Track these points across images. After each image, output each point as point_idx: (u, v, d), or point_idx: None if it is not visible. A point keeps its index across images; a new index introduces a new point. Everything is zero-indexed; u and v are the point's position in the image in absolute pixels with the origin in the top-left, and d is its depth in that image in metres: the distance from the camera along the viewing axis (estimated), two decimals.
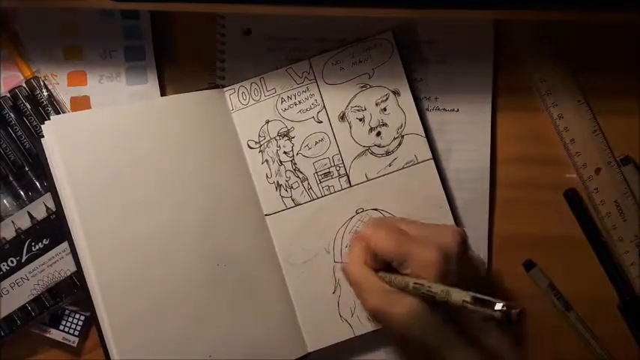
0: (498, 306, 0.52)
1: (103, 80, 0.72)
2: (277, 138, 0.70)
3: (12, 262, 0.68)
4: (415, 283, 0.59)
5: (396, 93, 0.70)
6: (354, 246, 0.67)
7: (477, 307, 0.53)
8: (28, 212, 0.68)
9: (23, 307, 0.68)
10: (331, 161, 0.70)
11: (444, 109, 0.71)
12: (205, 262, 0.67)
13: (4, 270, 0.68)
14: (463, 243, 0.63)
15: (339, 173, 0.70)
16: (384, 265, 0.64)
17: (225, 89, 0.71)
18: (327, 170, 0.70)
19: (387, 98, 0.70)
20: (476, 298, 0.54)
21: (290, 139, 0.70)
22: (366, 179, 0.70)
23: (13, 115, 0.69)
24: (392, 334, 0.66)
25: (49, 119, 0.65)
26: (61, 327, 0.71)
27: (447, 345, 0.60)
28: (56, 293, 0.69)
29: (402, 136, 0.70)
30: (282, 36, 0.71)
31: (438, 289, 0.57)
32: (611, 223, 0.70)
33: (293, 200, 0.70)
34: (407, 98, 0.70)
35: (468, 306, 0.54)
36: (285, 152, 0.70)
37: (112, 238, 0.64)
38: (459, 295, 0.55)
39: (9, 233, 0.68)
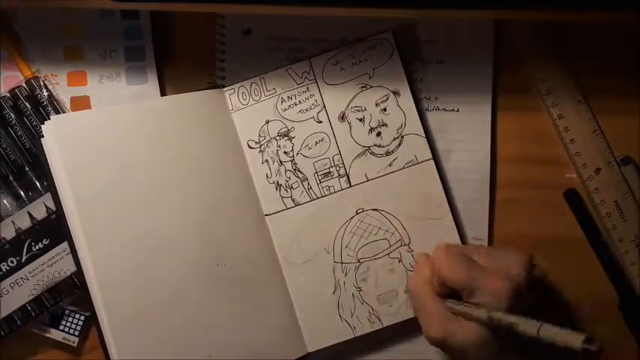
0: (578, 339, 0.50)
1: (103, 80, 0.72)
2: (277, 138, 0.70)
3: (12, 262, 0.68)
4: (488, 313, 0.59)
5: (396, 93, 0.70)
6: (422, 269, 0.67)
7: (553, 339, 0.52)
8: (28, 212, 0.68)
9: (23, 307, 0.68)
10: (331, 161, 0.70)
11: (444, 109, 0.71)
12: (205, 262, 0.67)
13: (4, 270, 0.68)
14: (529, 270, 0.63)
15: (339, 173, 0.70)
16: (448, 291, 0.64)
17: (225, 89, 0.71)
18: (327, 170, 0.70)
19: (387, 98, 0.70)
20: (550, 328, 0.53)
21: (290, 139, 0.70)
22: (366, 179, 0.70)
23: (13, 115, 0.69)
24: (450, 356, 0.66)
25: (49, 119, 0.65)
26: (61, 327, 0.71)
27: None
28: (56, 293, 0.69)
29: (402, 137, 0.70)
30: (282, 36, 0.71)
31: (512, 319, 0.57)
32: (611, 223, 0.70)
33: (293, 200, 0.70)
34: (407, 98, 0.70)
35: (544, 336, 0.53)
36: (285, 152, 0.70)
37: (112, 238, 0.64)
38: (534, 326, 0.54)
39: (9, 233, 0.68)
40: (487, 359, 0.61)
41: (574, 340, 0.51)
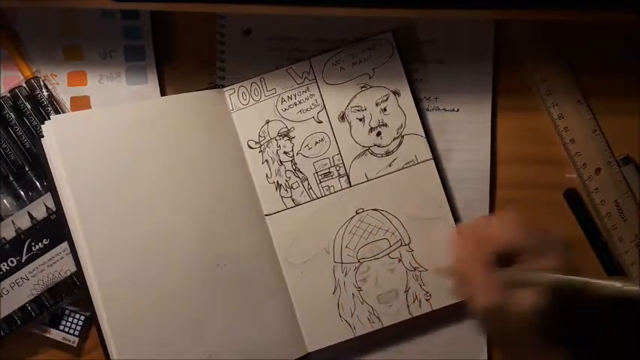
0: None
1: (103, 80, 0.72)
2: (277, 138, 0.70)
3: (12, 262, 0.68)
4: (557, 275, 0.58)
5: (396, 93, 0.70)
6: (466, 241, 0.64)
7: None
8: (28, 212, 0.68)
9: (23, 307, 0.68)
10: (331, 161, 0.70)
11: (444, 109, 0.71)
12: (205, 262, 0.67)
13: (4, 270, 0.68)
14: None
15: (339, 173, 0.70)
16: (496, 258, 0.62)
17: (225, 89, 0.71)
18: (327, 170, 0.70)
19: (387, 98, 0.70)
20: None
21: (290, 139, 0.70)
22: (366, 179, 0.70)
23: (13, 115, 0.69)
24: (500, 330, 0.64)
25: (49, 119, 0.65)
26: (61, 327, 0.71)
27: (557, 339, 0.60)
28: (56, 293, 0.69)
29: (402, 136, 0.70)
30: (282, 36, 0.71)
31: (580, 280, 0.56)
32: (611, 223, 0.70)
33: (293, 200, 0.70)
34: (407, 98, 0.70)
35: (625, 288, 0.53)
36: (285, 152, 0.70)
37: (111, 238, 0.64)
38: (612, 284, 0.54)
39: (9, 233, 0.68)
40: (538, 332, 0.59)
41: None
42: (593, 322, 0.61)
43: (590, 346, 0.61)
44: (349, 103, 0.70)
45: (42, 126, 0.65)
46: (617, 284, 0.54)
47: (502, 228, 0.62)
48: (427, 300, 0.69)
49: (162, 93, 0.72)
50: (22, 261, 0.68)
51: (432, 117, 0.71)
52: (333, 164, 0.70)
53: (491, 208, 0.71)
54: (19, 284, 0.68)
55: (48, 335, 0.71)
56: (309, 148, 0.70)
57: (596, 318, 0.61)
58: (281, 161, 0.70)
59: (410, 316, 0.69)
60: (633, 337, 0.63)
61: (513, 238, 0.61)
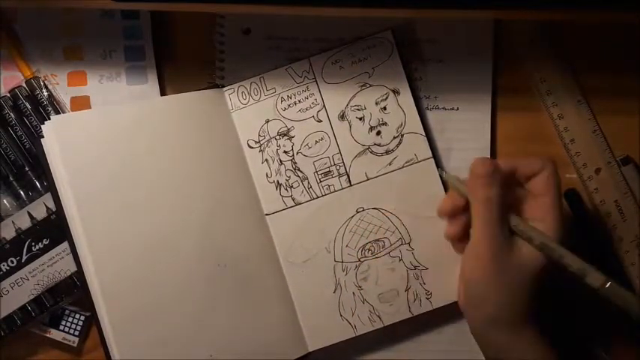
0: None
1: (103, 80, 0.72)
2: (277, 137, 0.70)
3: (12, 262, 0.68)
4: (544, 240, 0.59)
5: (395, 92, 0.70)
6: (481, 171, 0.63)
7: (618, 293, 0.52)
8: (28, 212, 0.68)
9: (23, 307, 0.68)
10: (331, 160, 0.70)
11: (444, 108, 0.71)
12: (205, 262, 0.67)
13: (4, 270, 0.68)
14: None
15: (339, 172, 0.70)
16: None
17: (224, 89, 0.71)
18: (327, 169, 0.70)
19: (386, 97, 0.70)
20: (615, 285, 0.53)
21: (290, 138, 0.70)
22: (366, 178, 0.70)
23: (13, 115, 0.69)
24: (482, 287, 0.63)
25: (49, 119, 0.65)
26: (61, 327, 0.71)
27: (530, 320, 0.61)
28: (56, 293, 0.69)
29: (402, 135, 0.70)
30: (281, 35, 0.71)
31: (575, 264, 0.57)
32: (611, 223, 0.70)
33: (293, 199, 0.70)
34: (407, 97, 0.70)
35: (605, 291, 0.53)
36: (285, 151, 0.70)
37: (112, 238, 0.64)
38: (598, 278, 0.54)
39: (9, 233, 0.68)
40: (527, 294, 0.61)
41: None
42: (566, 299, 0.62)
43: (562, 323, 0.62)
44: (349, 102, 0.70)
45: (42, 126, 0.65)
46: (604, 283, 0.54)
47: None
48: (428, 299, 0.69)
49: (163, 93, 0.72)
50: (22, 261, 0.68)
51: (431, 116, 0.71)
52: (333, 163, 0.70)
53: None
54: (19, 284, 0.68)
55: (48, 335, 0.71)
56: (309, 148, 0.70)
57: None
58: (281, 160, 0.70)
59: (411, 315, 0.69)
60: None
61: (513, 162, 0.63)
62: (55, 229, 0.68)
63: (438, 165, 0.70)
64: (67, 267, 0.68)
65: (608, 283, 0.54)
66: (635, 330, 0.55)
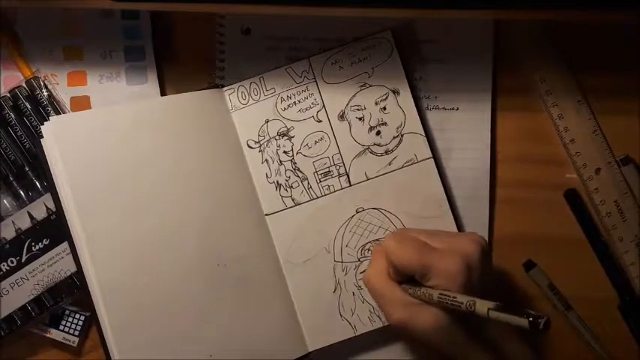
0: (524, 320, 0.50)
1: (103, 80, 0.72)
2: (277, 137, 0.70)
3: (12, 262, 0.68)
4: (440, 294, 0.59)
5: (395, 92, 0.70)
6: (376, 258, 0.67)
7: (502, 316, 0.52)
8: (28, 212, 0.68)
9: (23, 307, 0.68)
10: (331, 160, 0.70)
11: (444, 108, 0.71)
12: (205, 262, 0.67)
13: (4, 270, 0.68)
14: (484, 251, 0.63)
15: (338, 172, 0.70)
16: (406, 277, 0.64)
17: (224, 89, 0.71)
18: (327, 169, 0.70)
19: (386, 97, 0.70)
20: (501, 307, 0.53)
21: (290, 138, 0.70)
22: (365, 178, 0.70)
23: (13, 115, 0.69)
24: (413, 344, 0.66)
25: (49, 119, 0.65)
26: (61, 327, 0.71)
27: (469, 355, 0.60)
28: (56, 293, 0.69)
29: (402, 135, 0.70)
30: (281, 35, 0.71)
31: (463, 299, 0.56)
32: (611, 223, 0.70)
33: (293, 200, 0.70)
34: (406, 97, 0.70)
35: (493, 315, 0.53)
36: (284, 152, 0.70)
37: (112, 238, 0.64)
38: (485, 305, 0.54)
39: (9, 233, 0.68)
40: (452, 346, 0.60)
41: (521, 320, 0.50)
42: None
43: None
44: (349, 102, 0.70)
45: (42, 126, 0.65)
46: (490, 307, 0.54)
47: (392, 248, 0.64)
48: None
49: (162, 93, 0.72)
50: (22, 261, 0.68)
51: (431, 116, 0.71)
52: (332, 163, 0.70)
53: (491, 208, 0.71)
54: (19, 284, 0.68)
55: (48, 335, 0.70)
56: (309, 148, 0.70)
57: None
58: (281, 161, 0.70)
59: None
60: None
61: (405, 259, 0.63)
62: (55, 229, 0.68)
63: (438, 164, 0.70)
64: (67, 267, 0.68)
65: (495, 306, 0.54)
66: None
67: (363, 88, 0.70)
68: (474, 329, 0.61)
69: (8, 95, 0.69)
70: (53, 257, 0.68)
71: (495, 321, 0.53)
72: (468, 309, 0.55)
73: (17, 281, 0.68)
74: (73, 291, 0.69)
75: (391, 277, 0.65)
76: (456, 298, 0.57)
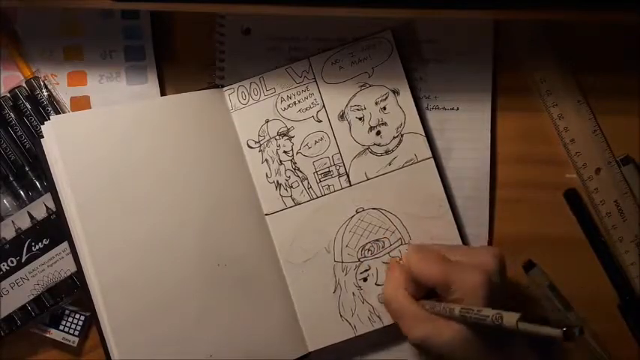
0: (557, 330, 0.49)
1: (103, 80, 0.72)
2: (277, 137, 0.70)
3: (12, 262, 0.68)
4: (462, 309, 0.59)
5: (395, 92, 0.70)
6: (393, 273, 0.67)
7: (532, 327, 0.51)
8: (28, 212, 0.68)
9: (23, 307, 0.68)
10: (331, 160, 0.70)
11: (444, 108, 0.71)
12: (205, 262, 0.67)
13: (4, 270, 0.68)
14: (502, 265, 0.63)
15: (338, 172, 0.70)
16: (424, 292, 0.64)
17: (224, 89, 0.71)
18: (327, 169, 0.70)
19: (386, 97, 0.70)
20: (530, 318, 0.52)
21: (290, 138, 0.70)
22: (365, 178, 0.70)
23: (13, 115, 0.69)
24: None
25: (49, 119, 0.65)
26: (61, 327, 0.71)
27: None
28: (56, 293, 0.69)
29: (402, 135, 0.70)
30: (281, 35, 0.71)
31: (489, 312, 0.56)
32: (611, 223, 0.70)
33: (293, 200, 0.70)
34: (406, 97, 0.70)
35: (523, 327, 0.52)
36: (284, 151, 0.70)
37: (112, 238, 0.64)
38: (513, 317, 0.53)
39: (9, 233, 0.68)
40: (474, 356, 0.61)
41: (553, 330, 0.50)
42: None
43: None
44: (348, 102, 0.70)
45: (42, 126, 0.65)
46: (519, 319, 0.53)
47: (414, 262, 0.64)
48: None
49: (162, 93, 0.72)
50: (22, 261, 0.68)
51: (431, 116, 0.71)
52: (332, 163, 0.70)
53: (491, 208, 0.71)
54: (19, 284, 0.68)
55: (48, 335, 0.70)
56: (309, 148, 0.70)
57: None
58: (281, 160, 0.70)
59: None
60: None
61: (423, 272, 0.63)
62: (55, 229, 0.68)
63: (438, 164, 0.70)
64: (67, 267, 0.68)
65: (519, 319, 0.53)
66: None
67: (363, 88, 0.70)
68: (497, 346, 0.61)
69: (8, 95, 0.69)
70: (53, 257, 0.68)
71: (523, 333, 0.52)
72: (494, 322, 0.55)
73: (17, 281, 0.68)
74: (73, 291, 0.69)
75: (409, 292, 0.65)
76: (481, 311, 0.57)
